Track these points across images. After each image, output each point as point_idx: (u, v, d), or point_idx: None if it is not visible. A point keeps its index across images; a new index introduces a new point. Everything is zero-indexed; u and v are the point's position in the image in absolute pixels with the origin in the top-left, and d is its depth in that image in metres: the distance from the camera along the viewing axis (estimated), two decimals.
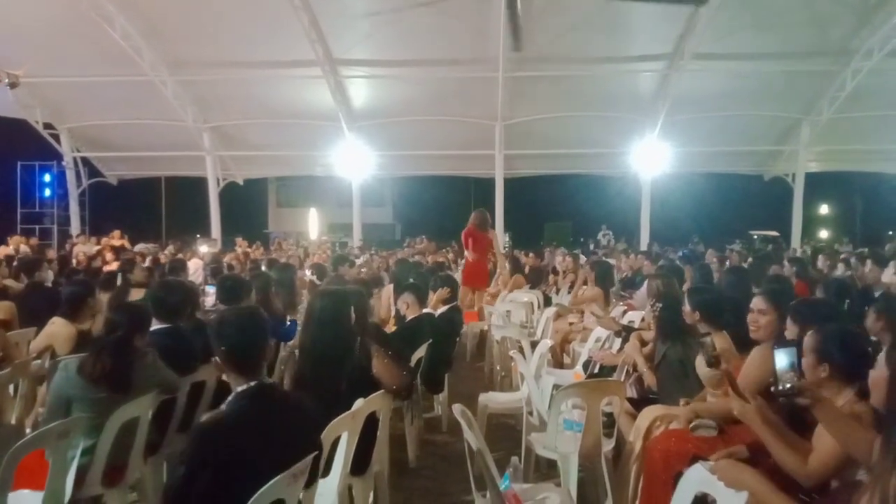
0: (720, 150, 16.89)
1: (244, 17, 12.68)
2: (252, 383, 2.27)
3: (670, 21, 12.90)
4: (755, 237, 19.86)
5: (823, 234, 27.63)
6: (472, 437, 2.81)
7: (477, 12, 12.08)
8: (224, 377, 2.39)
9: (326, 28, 13.25)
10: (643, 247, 15.72)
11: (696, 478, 2.47)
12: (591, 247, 19.83)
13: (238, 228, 19.64)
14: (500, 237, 17.42)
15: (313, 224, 22.08)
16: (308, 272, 7.93)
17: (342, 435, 2.91)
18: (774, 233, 19.48)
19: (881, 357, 2.02)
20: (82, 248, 13.28)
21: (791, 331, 3.34)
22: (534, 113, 15.74)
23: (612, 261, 10.07)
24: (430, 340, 4.66)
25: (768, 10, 12.21)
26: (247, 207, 26.22)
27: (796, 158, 16.64)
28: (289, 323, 5.19)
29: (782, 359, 2.34)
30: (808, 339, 2.61)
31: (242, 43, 13.41)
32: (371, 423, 3.26)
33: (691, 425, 3.28)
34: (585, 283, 7.59)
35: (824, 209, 31.65)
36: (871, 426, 2.25)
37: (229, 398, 2.29)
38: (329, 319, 3.32)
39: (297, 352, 3.41)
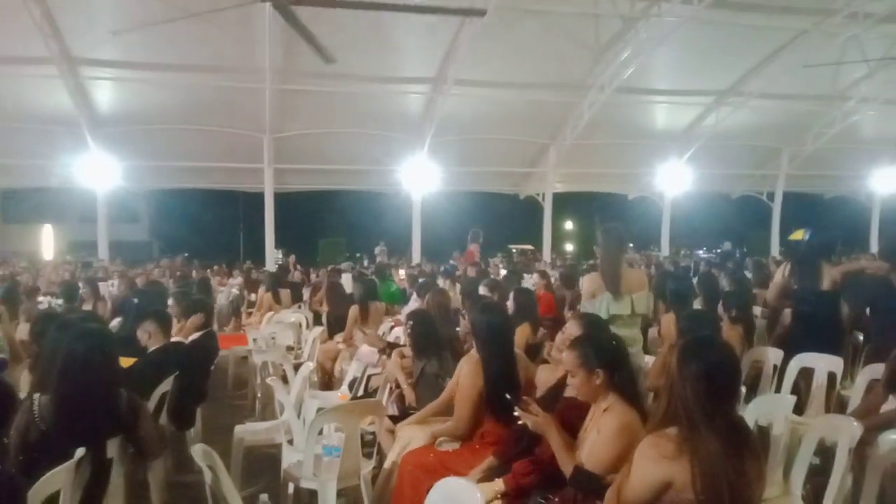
0: (482, 171, 18.15)
1: None
2: None
3: (434, 46, 13.54)
4: (514, 251, 21.70)
5: (569, 247, 31.20)
6: (214, 482, 2.57)
7: (240, 22, 11.54)
8: None
9: (64, 23, 11.69)
10: (415, 261, 16.27)
11: (442, 491, 2.49)
12: (366, 262, 20.04)
13: None
14: (272, 253, 16.89)
15: (48, 242, 19.28)
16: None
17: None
18: (530, 246, 21.49)
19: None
20: None
21: None
22: (305, 127, 15.49)
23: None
24: (177, 373, 4.23)
25: (518, 44, 13.29)
26: None
27: (545, 179, 18.46)
28: None
29: None
30: (566, 358, 2.71)
31: None
32: (101, 469, 2.87)
33: (436, 441, 3.37)
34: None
35: (569, 225, 35.86)
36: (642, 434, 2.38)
37: None
38: (96, 364, 2.92)
39: (35, 399, 2.86)
